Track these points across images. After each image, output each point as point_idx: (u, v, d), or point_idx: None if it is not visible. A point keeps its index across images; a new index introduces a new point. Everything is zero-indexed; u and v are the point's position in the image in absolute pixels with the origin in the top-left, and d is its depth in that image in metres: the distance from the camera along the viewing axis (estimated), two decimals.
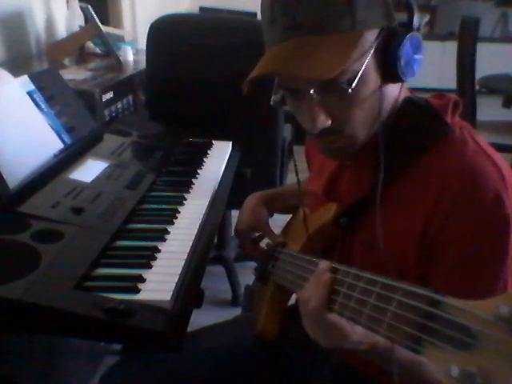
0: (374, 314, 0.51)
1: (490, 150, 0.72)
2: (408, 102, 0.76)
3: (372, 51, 0.67)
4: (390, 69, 0.69)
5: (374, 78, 0.69)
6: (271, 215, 1.08)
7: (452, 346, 0.39)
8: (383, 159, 0.71)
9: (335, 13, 0.65)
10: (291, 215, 1.07)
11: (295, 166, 0.86)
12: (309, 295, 0.63)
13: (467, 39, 2.92)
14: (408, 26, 0.70)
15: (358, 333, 0.61)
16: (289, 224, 1.05)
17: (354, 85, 0.67)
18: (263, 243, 1.03)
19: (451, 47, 3.29)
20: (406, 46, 0.68)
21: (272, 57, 0.69)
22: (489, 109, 3.47)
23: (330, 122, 0.71)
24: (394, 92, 0.74)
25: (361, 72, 0.67)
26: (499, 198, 0.66)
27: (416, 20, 0.70)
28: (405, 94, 0.77)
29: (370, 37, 0.67)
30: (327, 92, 0.68)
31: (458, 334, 0.39)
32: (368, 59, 0.67)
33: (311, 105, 0.69)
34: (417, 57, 0.71)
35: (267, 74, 0.69)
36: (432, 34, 4.38)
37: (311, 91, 0.68)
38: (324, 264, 0.64)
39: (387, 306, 0.49)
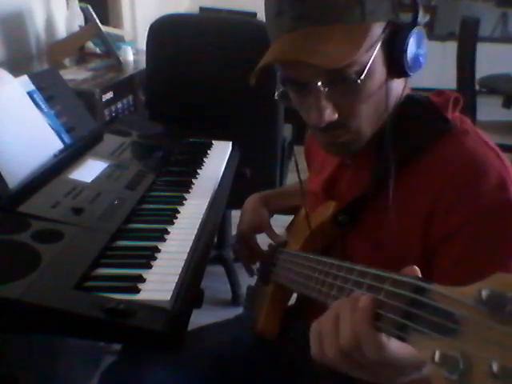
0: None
1: (491, 142, 0.73)
2: (409, 99, 0.77)
3: (379, 44, 0.68)
4: (396, 63, 0.69)
5: (380, 72, 0.70)
6: (271, 216, 1.08)
7: (436, 332, 0.39)
8: (381, 158, 0.71)
9: (345, 3, 0.65)
10: (291, 215, 1.07)
11: (296, 165, 0.85)
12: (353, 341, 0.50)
13: (467, 39, 2.92)
14: (413, 21, 0.70)
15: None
16: (291, 223, 1.05)
17: (362, 76, 0.67)
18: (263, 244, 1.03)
19: (451, 47, 3.30)
20: (412, 41, 0.69)
21: (281, 46, 0.69)
22: (489, 109, 3.47)
23: (336, 115, 0.70)
24: (398, 88, 0.75)
25: (369, 64, 0.67)
26: (503, 183, 0.67)
27: (421, 15, 0.71)
28: (407, 91, 0.78)
29: (377, 29, 0.68)
30: (334, 84, 0.68)
31: (442, 320, 0.39)
32: (376, 52, 0.67)
33: (318, 97, 0.69)
34: (421, 51, 0.71)
35: (277, 62, 0.69)
36: (432, 34, 4.38)
37: (318, 83, 0.68)
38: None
39: (376, 296, 0.49)
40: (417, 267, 0.50)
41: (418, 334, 0.41)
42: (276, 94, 0.75)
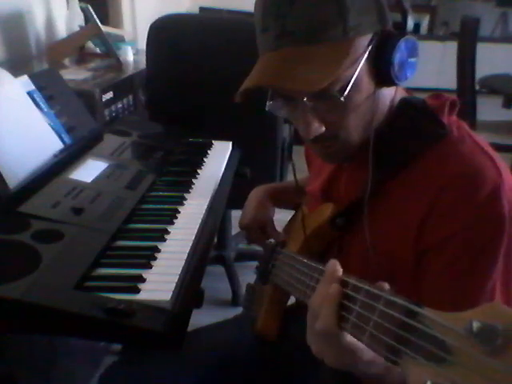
0: (358, 321, 0.51)
1: (488, 148, 0.72)
2: (405, 102, 0.76)
3: (365, 57, 0.67)
4: (383, 74, 0.69)
5: (367, 83, 0.69)
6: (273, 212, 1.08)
7: (427, 359, 0.39)
8: (376, 163, 0.71)
9: (326, 21, 0.64)
10: (291, 215, 1.07)
11: (293, 167, 0.86)
12: (317, 308, 0.57)
13: (467, 39, 2.92)
14: (402, 30, 0.69)
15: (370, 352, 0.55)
16: (289, 223, 1.05)
17: (346, 93, 0.66)
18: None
19: (451, 47, 3.29)
20: (400, 50, 0.68)
21: (263, 68, 0.69)
22: (489, 109, 3.47)
23: (323, 128, 0.71)
24: (390, 94, 0.74)
25: (353, 80, 0.66)
26: (497, 197, 0.66)
27: (410, 22, 0.70)
28: (401, 94, 0.77)
29: (363, 42, 0.67)
30: (320, 99, 0.68)
31: (434, 348, 0.39)
32: (361, 65, 0.67)
33: (304, 112, 0.70)
34: (411, 60, 0.70)
35: (258, 87, 0.69)
36: (432, 34, 4.38)
37: (304, 99, 0.68)
38: (331, 269, 0.59)
39: (370, 314, 0.49)
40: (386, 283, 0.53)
41: (409, 358, 0.41)
42: (267, 105, 0.75)
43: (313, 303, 0.58)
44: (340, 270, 0.58)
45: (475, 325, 0.35)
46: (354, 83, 0.66)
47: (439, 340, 0.38)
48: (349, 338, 0.54)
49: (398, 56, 0.68)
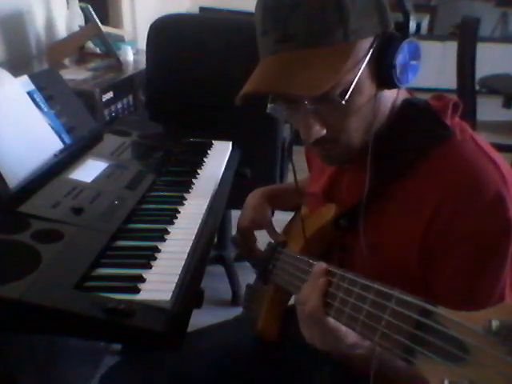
0: (368, 321, 0.51)
1: (491, 151, 0.72)
2: (407, 104, 0.76)
3: (366, 60, 0.66)
4: (385, 76, 0.69)
5: (368, 86, 0.69)
6: (272, 213, 1.08)
7: (444, 359, 0.39)
8: (378, 166, 0.71)
9: (326, 25, 0.64)
10: (291, 215, 1.07)
11: (293, 167, 0.86)
12: (305, 297, 0.64)
13: (467, 39, 2.92)
14: (404, 32, 0.69)
15: (353, 334, 0.61)
16: (290, 223, 1.05)
17: (347, 96, 0.66)
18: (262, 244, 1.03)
19: (451, 47, 3.29)
20: (402, 53, 0.68)
21: (263, 72, 0.69)
22: (489, 109, 3.47)
23: (324, 131, 0.71)
24: (392, 95, 0.74)
25: (354, 83, 0.66)
26: (501, 201, 0.66)
27: (412, 25, 0.70)
28: (403, 95, 0.77)
29: (364, 45, 0.67)
30: (321, 103, 0.68)
31: (450, 346, 0.39)
32: (362, 68, 0.66)
33: (305, 115, 0.70)
34: (414, 63, 0.70)
35: (258, 91, 0.69)
36: (432, 34, 4.38)
37: (305, 102, 0.68)
38: (319, 266, 0.65)
39: (381, 313, 0.49)
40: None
41: (424, 358, 0.41)
42: (268, 108, 0.75)
43: (301, 295, 0.65)
44: (325, 268, 0.64)
45: (494, 323, 0.35)
46: (355, 86, 0.66)
47: (456, 339, 0.38)
48: (333, 322, 0.59)
49: (400, 59, 0.68)
